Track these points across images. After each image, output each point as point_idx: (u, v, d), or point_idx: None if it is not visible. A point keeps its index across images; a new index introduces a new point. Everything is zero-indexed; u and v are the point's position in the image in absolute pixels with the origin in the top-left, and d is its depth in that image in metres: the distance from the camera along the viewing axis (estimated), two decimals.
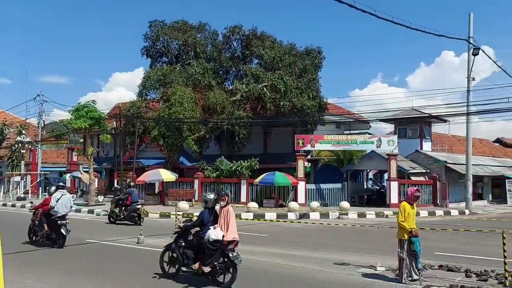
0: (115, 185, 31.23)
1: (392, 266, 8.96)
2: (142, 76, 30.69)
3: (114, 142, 34.87)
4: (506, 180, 32.65)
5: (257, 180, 25.13)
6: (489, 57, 28.50)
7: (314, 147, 26.94)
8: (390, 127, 33.47)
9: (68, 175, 35.29)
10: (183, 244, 8.11)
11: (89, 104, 26.71)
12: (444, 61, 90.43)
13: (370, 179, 33.90)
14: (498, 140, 52.18)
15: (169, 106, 27.38)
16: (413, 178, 27.42)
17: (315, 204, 22.82)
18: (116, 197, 18.89)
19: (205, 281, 7.69)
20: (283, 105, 27.34)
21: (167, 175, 26.54)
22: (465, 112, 25.19)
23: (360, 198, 28.05)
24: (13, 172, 36.73)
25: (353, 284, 8.01)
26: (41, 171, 37.37)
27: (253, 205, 22.79)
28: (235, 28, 30.94)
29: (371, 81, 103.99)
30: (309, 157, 29.29)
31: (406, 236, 8.01)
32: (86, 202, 26.08)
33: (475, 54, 25.10)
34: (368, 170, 32.09)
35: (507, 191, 32.32)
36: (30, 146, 37.82)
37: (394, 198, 24.76)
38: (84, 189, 30.85)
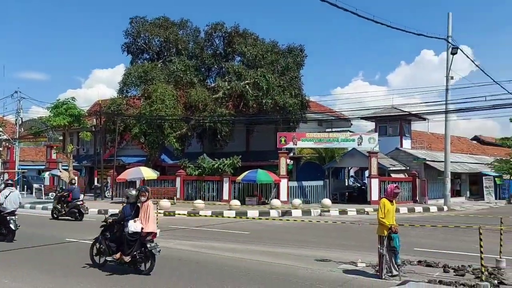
0: (95, 183, 30.95)
1: (373, 262, 9.06)
2: (123, 73, 30.51)
3: (94, 139, 34.38)
4: (483, 177, 33.36)
5: (240, 178, 25.13)
6: (467, 57, 29.02)
7: (296, 144, 27.10)
8: (371, 125, 33.87)
9: (47, 173, 34.63)
10: (109, 236, 8.87)
11: (69, 101, 26.40)
12: (423, 60, 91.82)
13: (351, 176, 34.29)
14: (476, 138, 53.38)
15: (150, 103, 27.15)
16: (393, 175, 27.80)
17: (297, 201, 22.90)
18: (59, 194, 19.80)
19: (128, 269, 8.48)
20: (265, 103, 27.35)
21: (149, 173, 26.23)
22: (444, 110, 25.57)
23: (341, 195, 28.33)
24: None
25: (334, 280, 8.07)
26: (19, 169, 36.63)
27: (236, 203, 22.74)
28: (217, 25, 30.85)
29: (352, 79, 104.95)
30: (291, 154, 29.42)
31: (385, 233, 8.10)
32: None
33: (453, 53, 25.49)
34: (349, 168, 32.47)
35: (484, 188, 33.00)
36: (7, 144, 37.04)
37: (374, 195, 25.08)
38: (64, 187, 30.34)
